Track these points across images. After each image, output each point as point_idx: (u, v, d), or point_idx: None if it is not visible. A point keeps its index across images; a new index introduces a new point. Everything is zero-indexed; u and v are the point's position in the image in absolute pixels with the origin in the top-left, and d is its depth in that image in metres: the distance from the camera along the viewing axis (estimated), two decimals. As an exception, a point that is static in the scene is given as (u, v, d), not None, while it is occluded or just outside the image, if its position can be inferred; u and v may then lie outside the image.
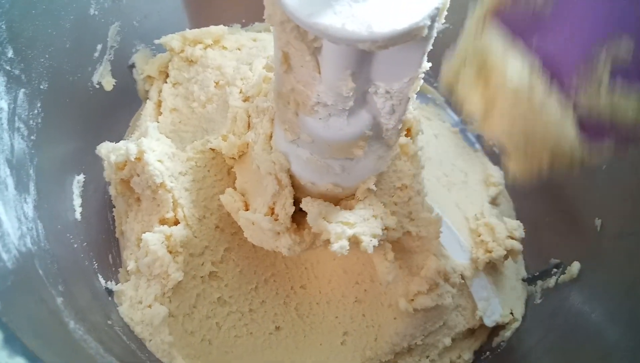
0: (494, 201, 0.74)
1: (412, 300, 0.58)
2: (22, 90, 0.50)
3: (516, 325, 0.65)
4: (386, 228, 0.52)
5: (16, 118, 0.49)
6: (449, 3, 0.35)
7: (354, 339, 0.63)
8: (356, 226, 0.50)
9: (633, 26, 0.38)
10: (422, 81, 0.44)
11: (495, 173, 0.76)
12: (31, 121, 0.52)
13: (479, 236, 0.65)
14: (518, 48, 0.43)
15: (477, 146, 0.82)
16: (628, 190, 0.56)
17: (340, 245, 0.50)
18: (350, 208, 0.53)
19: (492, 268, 0.66)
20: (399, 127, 0.49)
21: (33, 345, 0.31)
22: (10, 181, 0.45)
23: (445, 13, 0.37)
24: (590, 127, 0.41)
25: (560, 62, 0.42)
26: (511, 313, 0.65)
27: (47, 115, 0.54)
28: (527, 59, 0.42)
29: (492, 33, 0.44)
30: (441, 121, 0.80)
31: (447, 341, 0.64)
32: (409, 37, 0.33)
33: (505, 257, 0.63)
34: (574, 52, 0.40)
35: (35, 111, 0.52)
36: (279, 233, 0.53)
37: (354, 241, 0.50)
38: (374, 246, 0.49)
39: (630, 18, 0.38)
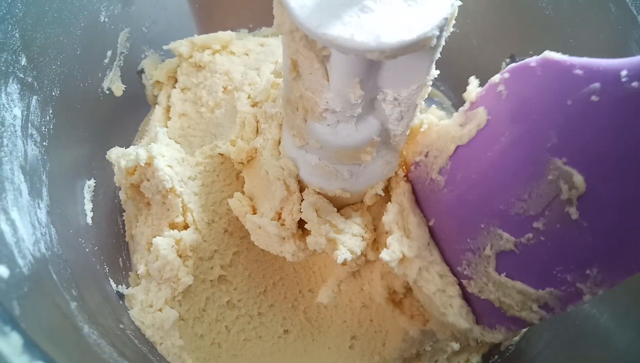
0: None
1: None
2: (35, 97, 0.51)
3: (524, 329, 0.64)
4: (364, 255, 0.53)
5: (29, 125, 0.50)
6: (457, 12, 0.36)
7: (362, 344, 0.63)
8: (342, 233, 0.51)
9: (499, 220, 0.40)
10: (430, 88, 0.44)
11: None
12: (43, 128, 0.52)
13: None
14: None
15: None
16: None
17: (316, 241, 0.50)
18: (348, 217, 0.53)
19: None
20: (407, 133, 0.49)
21: (49, 350, 0.31)
22: (24, 188, 0.46)
23: (454, 22, 0.37)
24: (483, 312, 0.44)
25: (454, 242, 0.44)
26: (519, 317, 0.65)
27: (58, 121, 0.55)
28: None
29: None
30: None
31: (456, 345, 0.63)
32: (418, 48, 0.33)
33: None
34: (463, 235, 0.42)
35: (47, 118, 0.53)
36: (284, 239, 0.54)
37: (332, 245, 0.51)
38: (345, 259, 0.50)
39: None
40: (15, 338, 0.30)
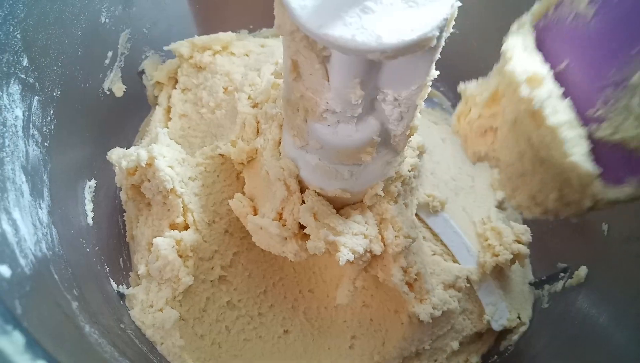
0: (500, 206, 0.74)
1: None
2: (36, 98, 0.51)
3: (523, 329, 0.65)
4: (369, 251, 0.53)
5: (30, 125, 0.50)
6: (457, 13, 0.36)
7: (362, 343, 0.63)
8: (341, 234, 0.51)
9: None
10: (430, 88, 0.44)
11: (502, 177, 0.76)
12: (44, 128, 0.52)
13: (486, 240, 0.66)
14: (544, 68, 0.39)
15: (484, 150, 0.82)
16: (635, 195, 0.56)
17: (315, 245, 0.51)
18: (348, 216, 0.53)
19: (499, 272, 0.66)
20: (407, 134, 0.49)
21: (50, 349, 0.31)
22: (25, 188, 0.46)
23: (453, 22, 0.37)
24: (609, 164, 0.37)
25: (590, 82, 0.38)
26: (518, 317, 0.65)
27: (59, 122, 0.55)
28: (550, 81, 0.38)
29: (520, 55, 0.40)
30: (448, 126, 0.80)
31: (455, 345, 0.64)
32: (418, 48, 0.33)
33: (512, 261, 0.64)
34: (607, 69, 0.37)
35: (48, 118, 0.53)
36: (286, 239, 0.54)
37: (333, 248, 0.51)
38: (347, 260, 0.50)
39: None
40: (18, 337, 0.30)
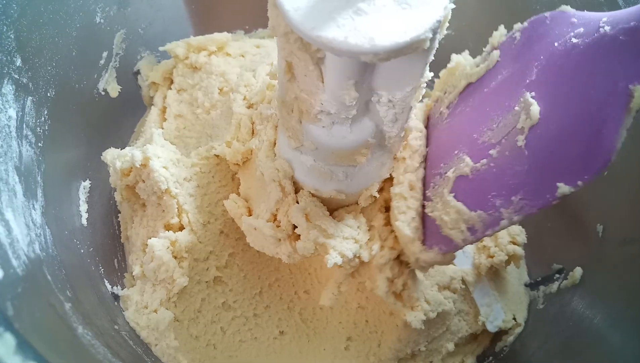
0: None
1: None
2: (30, 98, 0.51)
3: (519, 330, 0.65)
4: (358, 256, 0.53)
5: (24, 126, 0.50)
6: (450, 15, 0.36)
7: (357, 345, 0.63)
8: (332, 237, 0.51)
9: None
10: (424, 89, 0.44)
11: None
12: (38, 129, 0.52)
13: (481, 241, 0.66)
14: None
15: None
16: (630, 196, 0.56)
17: (304, 246, 0.51)
18: (341, 219, 0.53)
19: (494, 273, 0.66)
20: (402, 135, 0.49)
21: (43, 350, 0.31)
22: (19, 188, 0.46)
23: (447, 24, 0.37)
24: (430, 234, 0.48)
25: (432, 167, 0.50)
26: (514, 319, 0.65)
27: (53, 122, 0.55)
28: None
29: None
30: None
31: (450, 346, 0.64)
32: (411, 50, 0.33)
33: (507, 262, 0.64)
34: (440, 161, 0.48)
35: (42, 119, 0.53)
36: (280, 240, 0.54)
37: (322, 250, 0.51)
38: (335, 263, 0.50)
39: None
40: (9, 339, 0.30)
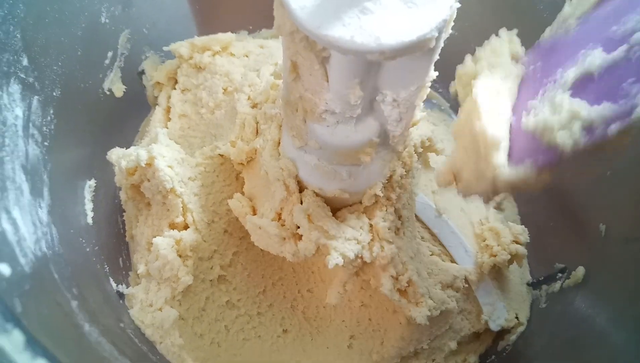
0: (499, 206, 0.75)
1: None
2: (36, 97, 0.51)
3: (521, 329, 0.65)
4: (360, 257, 0.53)
5: (30, 125, 0.50)
6: (455, 14, 0.36)
7: (360, 343, 0.64)
8: (333, 238, 0.51)
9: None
10: (429, 89, 0.45)
11: (500, 178, 0.77)
12: (44, 128, 0.53)
13: (484, 240, 0.66)
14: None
15: (482, 151, 0.82)
16: (632, 196, 0.57)
17: (305, 247, 0.51)
18: (344, 219, 0.53)
19: (497, 272, 0.67)
20: (406, 134, 0.50)
21: (51, 347, 0.31)
22: (25, 187, 0.46)
23: (452, 24, 0.37)
24: (516, 147, 0.41)
25: (543, 77, 0.42)
26: (516, 318, 0.65)
27: (59, 121, 0.55)
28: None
29: None
30: (446, 127, 0.81)
31: (453, 345, 0.64)
32: (417, 49, 0.33)
33: (510, 261, 0.64)
34: (556, 68, 0.41)
35: (48, 118, 0.53)
36: (284, 239, 0.54)
37: (323, 250, 0.51)
38: (336, 263, 0.50)
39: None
40: (17, 336, 0.30)
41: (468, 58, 0.46)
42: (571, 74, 0.38)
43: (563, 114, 0.37)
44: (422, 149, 0.58)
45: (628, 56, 0.36)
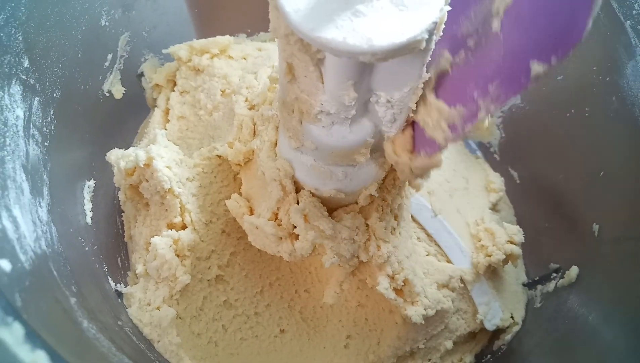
0: (494, 207, 0.75)
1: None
2: (37, 98, 0.52)
3: (516, 328, 0.66)
4: (357, 256, 0.54)
5: (31, 125, 0.51)
6: (446, 17, 0.37)
7: (357, 343, 0.64)
8: (329, 238, 0.52)
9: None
10: (422, 90, 0.45)
11: (496, 180, 0.77)
12: (45, 128, 0.53)
13: (480, 241, 0.67)
14: None
15: (479, 153, 0.83)
16: (624, 196, 0.57)
17: (302, 246, 0.51)
18: (340, 219, 0.54)
19: (492, 273, 0.67)
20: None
21: (50, 341, 0.32)
22: (26, 186, 0.47)
23: (443, 26, 0.38)
24: (417, 141, 0.47)
25: None
26: (512, 317, 0.66)
27: (59, 122, 0.56)
28: None
29: None
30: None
31: (449, 344, 0.65)
32: (408, 50, 0.34)
33: (505, 261, 0.64)
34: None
35: (49, 119, 0.54)
36: (281, 238, 0.54)
37: (320, 249, 0.52)
38: (332, 263, 0.51)
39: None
40: (18, 328, 0.31)
41: None
42: (432, 72, 0.43)
43: (433, 115, 0.43)
44: None
45: (467, 61, 0.40)
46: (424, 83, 0.43)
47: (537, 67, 0.34)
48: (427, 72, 0.43)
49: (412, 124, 0.47)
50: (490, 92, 0.38)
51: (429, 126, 0.44)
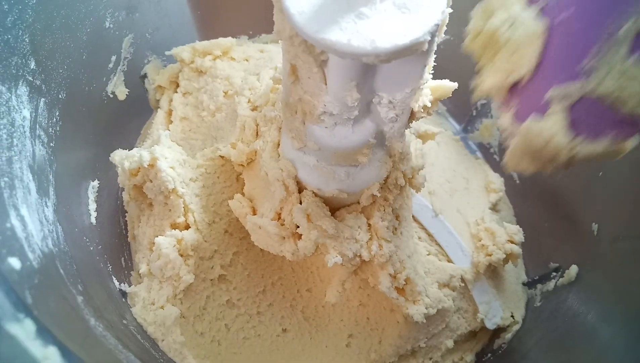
0: (494, 207, 0.76)
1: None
2: (43, 99, 0.52)
3: (517, 327, 0.66)
4: (359, 255, 0.54)
5: (37, 126, 0.51)
6: (448, 19, 0.38)
7: (358, 342, 0.64)
8: (332, 237, 0.53)
9: None
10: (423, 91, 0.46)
11: (496, 180, 0.78)
12: (50, 129, 0.54)
13: (480, 240, 0.67)
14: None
15: (478, 153, 0.84)
16: (623, 195, 0.58)
17: (305, 246, 0.52)
18: (342, 219, 0.55)
19: (493, 272, 0.68)
20: (402, 133, 0.51)
21: (60, 337, 0.33)
22: (32, 186, 0.48)
23: (445, 28, 0.39)
24: (589, 120, 0.37)
25: (588, 31, 0.36)
26: (512, 316, 0.66)
27: (64, 123, 0.56)
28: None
29: None
30: (443, 129, 0.82)
31: (450, 343, 0.65)
32: (410, 52, 0.35)
33: (505, 261, 0.65)
34: (604, 19, 0.35)
35: (54, 120, 0.55)
36: (284, 238, 0.55)
37: (323, 249, 0.52)
38: (335, 262, 0.52)
39: None
40: (29, 324, 0.31)
41: (477, 10, 0.41)
42: (628, 28, 0.33)
43: (638, 86, 0.34)
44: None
45: None
46: (616, 48, 0.33)
47: None
48: (616, 30, 0.33)
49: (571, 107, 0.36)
50: None
51: (629, 102, 0.34)
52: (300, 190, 0.55)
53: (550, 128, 0.37)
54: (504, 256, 0.64)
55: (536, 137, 0.38)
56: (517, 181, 0.77)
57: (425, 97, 0.47)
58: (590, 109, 0.36)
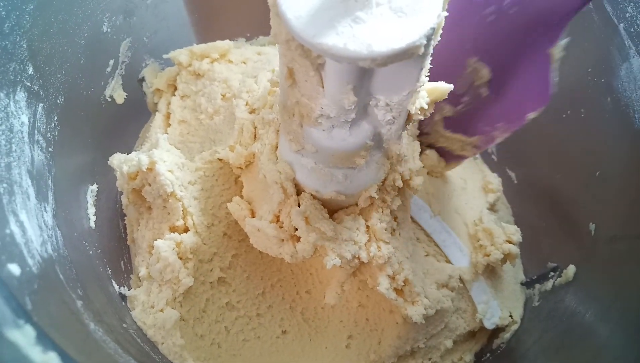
0: (492, 207, 0.76)
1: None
2: (41, 104, 0.53)
3: (515, 327, 0.66)
4: (357, 257, 0.54)
5: (36, 131, 0.51)
6: (444, 23, 0.38)
7: (358, 343, 0.65)
8: (330, 240, 0.53)
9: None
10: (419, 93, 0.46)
11: (494, 180, 0.78)
12: (49, 134, 0.54)
13: (478, 240, 0.67)
14: None
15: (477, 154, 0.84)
16: (620, 196, 0.58)
17: (303, 248, 0.52)
18: (340, 221, 0.55)
19: (491, 272, 0.68)
20: (399, 135, 0.51)
21: (59, 343, 0.33)
22: (31, 191, 0.48)
23: (441, 32, 0.39)
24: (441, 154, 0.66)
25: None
26: (510, 316, 0.66)
27: (63, 128, 0.56)
28: None
29: None
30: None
31: (449, 343, 0.65)
32: (407, 56, 0.35)
33: (503, 261, 0.65)
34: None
35: (52, 124, 0.55)
36: (282, 240, 0.55)
37: (321, 251, 0.53)
38: (334, 264, 0.52)
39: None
40: (29, 331, 0.31)
41: None
42: (438, 117, 0.64)
43: (456, 144, 0.65)
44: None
45: (468, 109, 0.60)
46: (435, 122, 0.53)
47: (530, 115, 0.51)
48: (432, 114, 0.52)
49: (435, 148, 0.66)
50: (499, 127, 0.55)
51: (455, 149, 0.61)
52: (298, 192, 0.55)
53: None
54: (502, 256, 0.64)
55: None
56: (515, 181, 0.78)
57: (421, 99, 0.47)
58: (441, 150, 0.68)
